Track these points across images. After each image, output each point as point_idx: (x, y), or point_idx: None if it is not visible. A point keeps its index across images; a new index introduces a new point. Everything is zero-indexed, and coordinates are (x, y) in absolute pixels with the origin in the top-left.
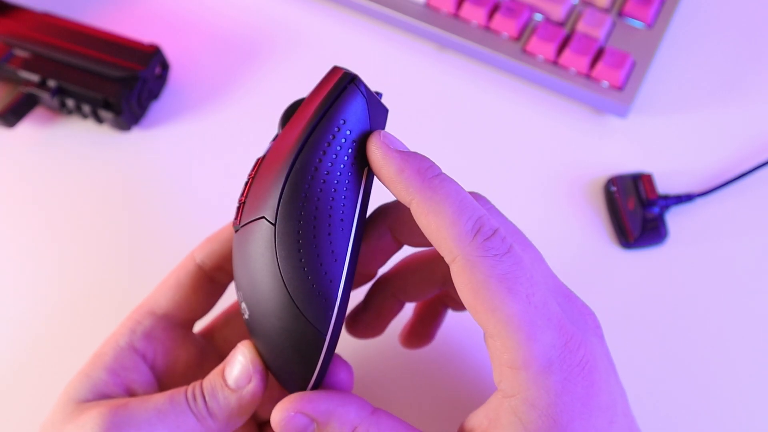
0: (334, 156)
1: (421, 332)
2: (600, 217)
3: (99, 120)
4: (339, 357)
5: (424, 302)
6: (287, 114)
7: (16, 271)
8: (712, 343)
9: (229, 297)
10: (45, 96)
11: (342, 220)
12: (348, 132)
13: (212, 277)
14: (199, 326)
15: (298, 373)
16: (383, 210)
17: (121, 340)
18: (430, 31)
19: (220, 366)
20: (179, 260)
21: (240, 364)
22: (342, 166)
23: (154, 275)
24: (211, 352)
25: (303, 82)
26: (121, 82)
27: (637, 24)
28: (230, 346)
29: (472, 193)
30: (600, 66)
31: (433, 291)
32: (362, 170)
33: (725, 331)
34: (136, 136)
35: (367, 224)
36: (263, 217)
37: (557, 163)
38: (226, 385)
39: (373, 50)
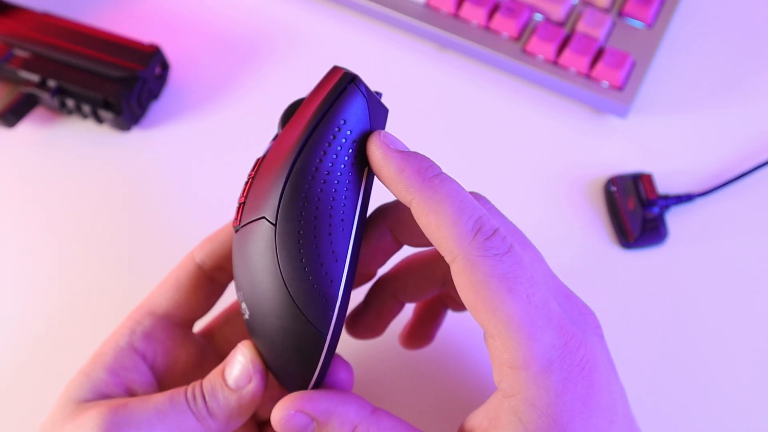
0: (334, 156)
1: (421, 333)
2: (600, 217)
3: (99, 120)
4: (339, 357)
5: (424, 303)
6: (287, 114)
7: (16, 271)
8: (712, 343)
9: (229, 297)
10: (45, 96)
11: (342, 220)
12: (348, 132)
13: (212, 276)
14: (199, 326)
15: (298, 373)
16: (383, 210)
17: (121, 340)
18: (430, 31)
19: (220, 366)
20: (179, 260)
21: (240, 364)
22: (342, 166)
23: (154, 275)
24: (211, 352)
25: (303, 82)
26: (121, 82)
27: (637, 24)
28: (230, 346)
29: (472, 193)
30: (600, 66)
31: (433, 291)
32: (362, 170)
33: (725, 331)
34: (136, 136)
35: (367, 224)
36: (264, 218)
37: (557, 163)
38: (226, 385)
39: (373, 50)
